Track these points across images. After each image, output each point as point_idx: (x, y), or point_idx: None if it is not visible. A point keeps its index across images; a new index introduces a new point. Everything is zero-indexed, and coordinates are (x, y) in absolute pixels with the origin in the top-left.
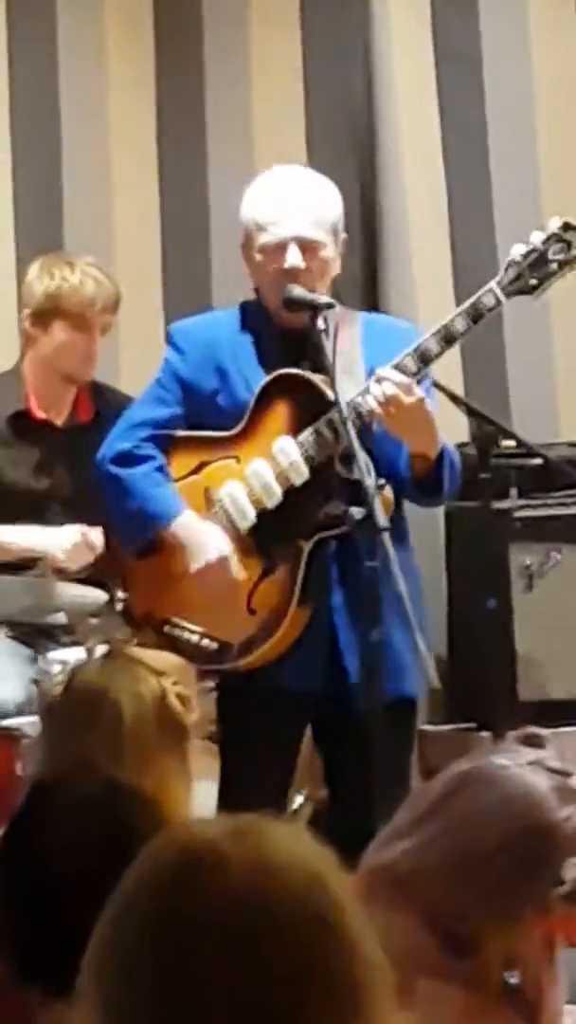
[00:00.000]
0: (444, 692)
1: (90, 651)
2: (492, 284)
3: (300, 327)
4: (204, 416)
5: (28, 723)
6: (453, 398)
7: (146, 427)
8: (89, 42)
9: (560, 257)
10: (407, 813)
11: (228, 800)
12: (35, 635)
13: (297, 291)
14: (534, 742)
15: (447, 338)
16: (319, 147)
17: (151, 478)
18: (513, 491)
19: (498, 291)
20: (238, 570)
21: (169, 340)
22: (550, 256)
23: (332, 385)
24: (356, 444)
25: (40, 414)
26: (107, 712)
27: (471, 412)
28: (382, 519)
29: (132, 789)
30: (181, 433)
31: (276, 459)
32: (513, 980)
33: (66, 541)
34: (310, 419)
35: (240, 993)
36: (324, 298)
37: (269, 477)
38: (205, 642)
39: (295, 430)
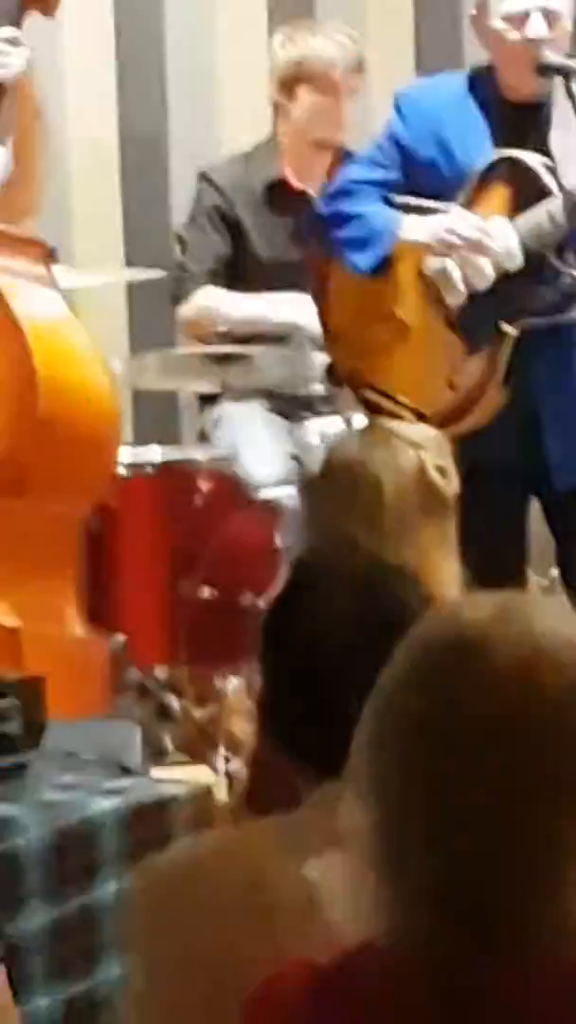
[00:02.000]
0: None
1: (348, 421)
2: None
3: (530, 100)
4: (423, 184)
5: (287, 495)
6: None
7: (360, 184)
8: None
9: None
10: None
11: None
12: (293, 405)
13: (551, 56)
14: None
15: None
16: None
17: (367, 198)
18: None
19: None
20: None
21: (394, 105)
22: None
23: (553, 170)
24: None
25: (296, 184)
26: (367, 487)
27: None
28: None
29: (396, 566)
30: (398, 198)
31: (493, 240)
32: None
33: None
34: (528, 205)
35: (508, 777)
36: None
37: (484, 258)
38: (402, 411)
39: (513, 214)
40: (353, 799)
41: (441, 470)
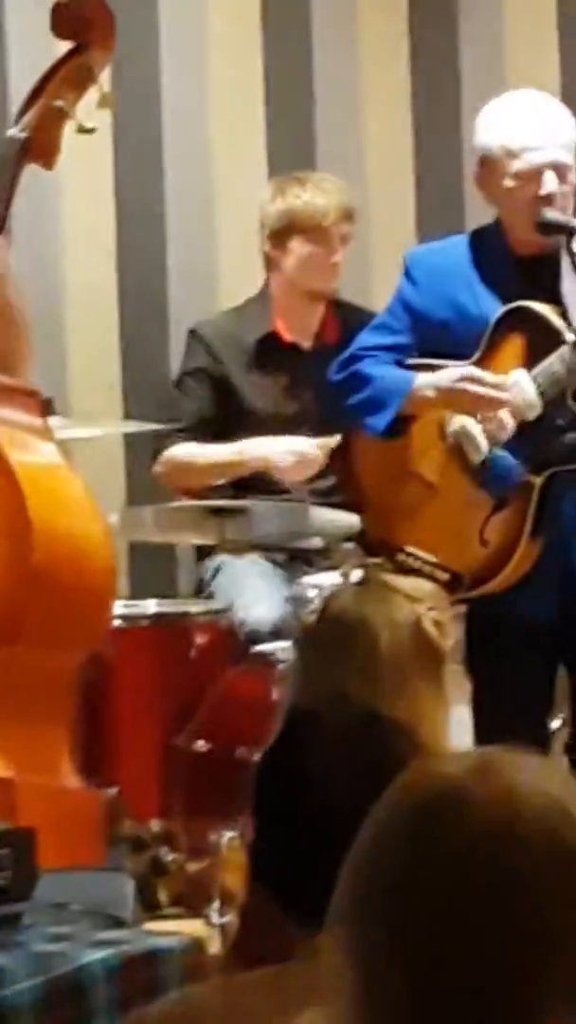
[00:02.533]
0: None
1: (345, 576)
2: None
3: (539, 254)
4: (438, 346)
5: (282, 648)
6: None
7: (372, 350)
8: None
9: None
10: None
11: (482, 729)
12: (290, 559)
13: (552, 214)
14: None
15: None
16: (572, 63)
17: (379, 361)
18: None
19: None
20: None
21: (404, 269)
22: None
23: (565, 316)
24: None
25: (288, 336)
26: (363, 640)
27: None
28: None
29: (390, 719)
30: (411, 360)
31: (510, 392)
32: None
33: (293, 446)
34: (543, 353)
35: (487, 934)
36: None
37: (503, 411)
38: (438, 573)
39: (529, 363)
40: (333, 954)
41: (437, 624)
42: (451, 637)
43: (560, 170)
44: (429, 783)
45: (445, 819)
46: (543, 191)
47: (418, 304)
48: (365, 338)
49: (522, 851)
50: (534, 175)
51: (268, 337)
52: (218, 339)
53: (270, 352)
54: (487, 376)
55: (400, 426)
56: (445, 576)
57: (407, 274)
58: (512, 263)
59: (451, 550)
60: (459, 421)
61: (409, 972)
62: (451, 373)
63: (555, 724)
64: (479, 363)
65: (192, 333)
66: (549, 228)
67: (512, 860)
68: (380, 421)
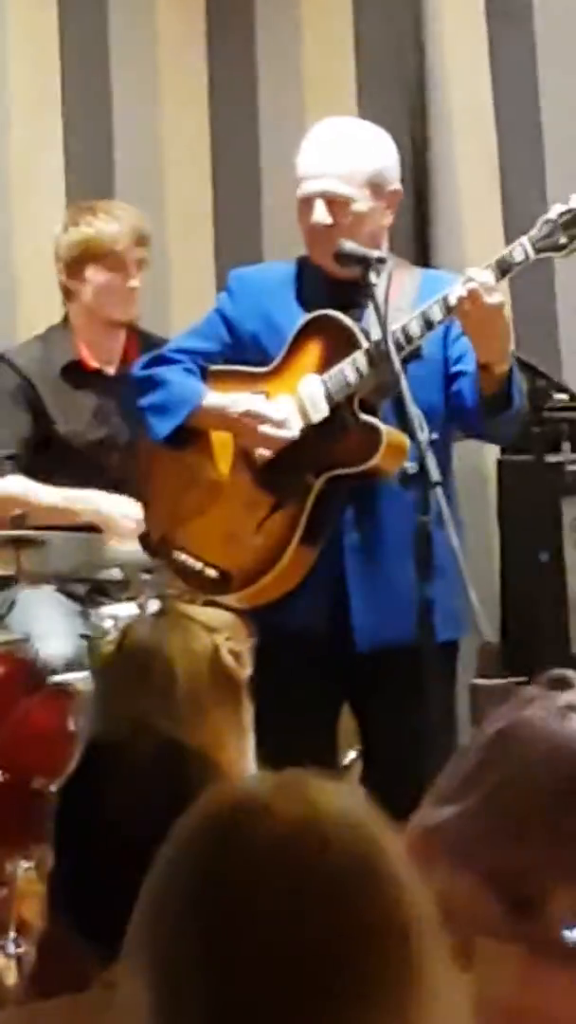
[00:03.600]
0: (497, 645)
1: (142, 607)
2: (523, 239)
3: (353, 279)
4: (247, 357)
5: (79, 678)
6: None
7: (178, 352)
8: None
9: None
10: (451, 777)
11: (265, 751)
12: (89, 591)
13: (349, 245)
14: (563, 684)
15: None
16: (369, 100)
17: (180, 370)
18: (565, 444)
19: (528, 246)
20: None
21: (227, 284)
22: None
23: (383, 328)
24: (407, 397)
25: (93, 363)
26: (160, 670)
27: (523, 365)
28: (435, 473)
29: (189, 749)
30: (214, 367)
31: (299, 395)
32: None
33: (130, 512)
34: (338, 358)
35: (286, 946)
36: (376, 252)
37: (290, 412)
38: (208, 570)
39: (324, 368)
40: (130, 978)
41: (235, 654)
42: (248, 666)
43: (334, 200)
44: (229, 800)
45: (245, 833)
46: (311, 221)
47: (231, 314)
48: (177, 339)
49: (321, 864)
50: (308, 203)
51: (73, 364)
52: (28, 364)
53: (76, 378)
54: (271, 414)
55: (185, 436)
56: (213, 574)
57: (228, 288)
58: (325, 286)
59: (223, 549)
60: None
61: (206, 987)
62: (237, 404)
63: (351, 756)
64: (277, 369)
65: (1, 358)
66: (344, 258)
67: (311, 873)
68: (163, 428)
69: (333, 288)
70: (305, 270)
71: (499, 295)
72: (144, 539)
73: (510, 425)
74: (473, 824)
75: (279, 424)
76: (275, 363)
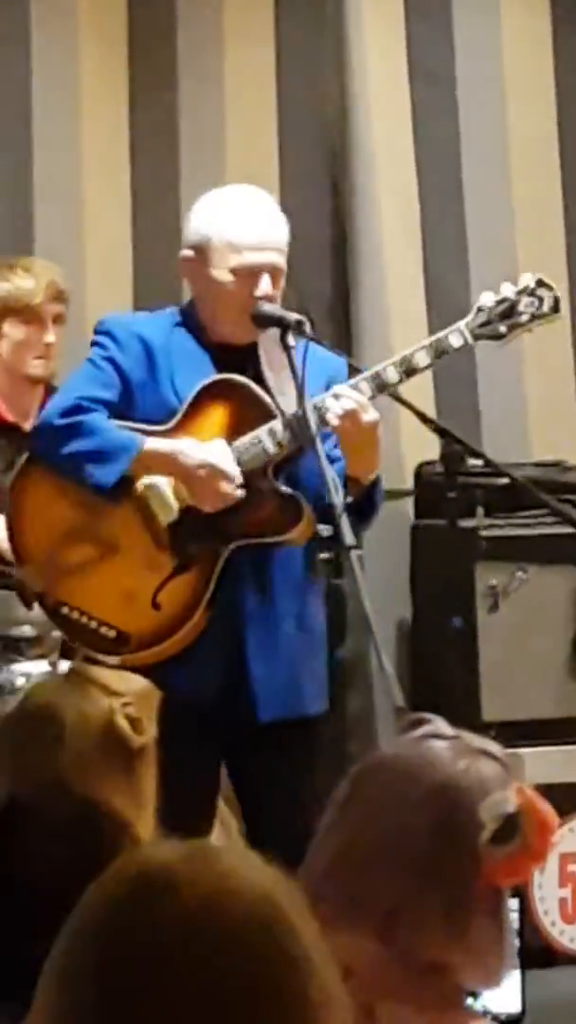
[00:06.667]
0: (408, 711)
1: (54, 665)
2: (460, 325)
3: (238, 343)
4: (128, 408)
5: None
6: (421, 416)
7: (91, 401)
8: (61, 57)
9: (531, 311)
10: (324, 821)
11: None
12: (1, 647)
13: (268, 307)
14: (421, 722)
15: (408, 371)
16: (291, 166)
17: (104, 418)
18: (480, 510)
19: (466, 333)
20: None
21: (101, 330)
22: (521, 308)
23: (300, 393)
24: (325, 463)
25: (10, 417)
26: (50, 731)
27: (438, 430)
28: (349, 537)
29: (104, 811)
30: (115, 422)
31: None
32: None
33: None
34: (247, 428)
35: (190, 1016)
36: (295, 315)
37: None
38: (103, 629)
39: (231, 434)
40: None
41: (132, 720)
42: (148, 734)
43: (275, 275)
44: (138, 868)
45: (153, 901)
46: (258, 292)
47: (122, 363)
48: (81, 388)
49: (229, 945)
50: (253, 274)
51: None
52: None
53: None
54: (229, 470)
55: (121, 486)
56: (111, 633)
57: (108, 333)
58: (208, 349)
59: (120, 610)
60: (151, 480)
61: None
62: (190, 453)
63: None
64: (176, 429)
65: None
66: (264, 320)
67: (218, 953)
68: (107, 476)
69: (217, 351)
70: (185, 325)
71: (375, 412)
72: (20, 588)
73: (364, 526)
74: (344, 857)
75: (234, 481)
76: (175, 422)
